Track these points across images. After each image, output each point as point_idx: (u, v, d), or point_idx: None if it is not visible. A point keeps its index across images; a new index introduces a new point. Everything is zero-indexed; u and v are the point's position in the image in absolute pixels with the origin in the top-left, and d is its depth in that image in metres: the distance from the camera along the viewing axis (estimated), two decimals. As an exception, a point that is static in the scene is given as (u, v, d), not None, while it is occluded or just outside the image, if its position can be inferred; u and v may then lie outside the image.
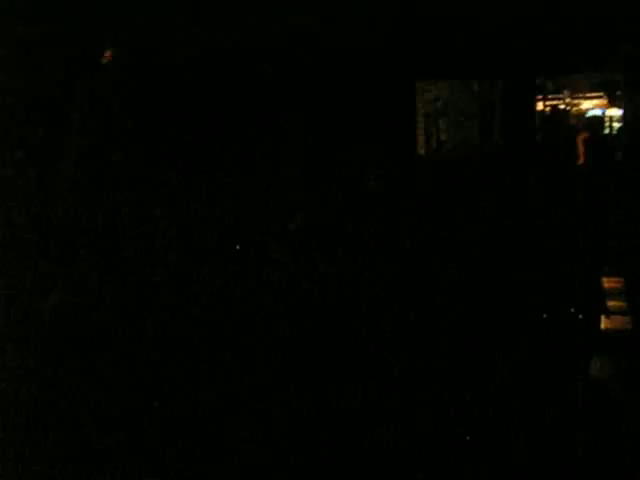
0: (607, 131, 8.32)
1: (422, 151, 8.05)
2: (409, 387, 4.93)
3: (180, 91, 6.67)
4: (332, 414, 4.62)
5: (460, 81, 8.02)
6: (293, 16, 6.82)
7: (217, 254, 6.30)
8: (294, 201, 6.73)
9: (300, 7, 6.70)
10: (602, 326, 5.79)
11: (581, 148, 7.21)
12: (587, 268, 6.23)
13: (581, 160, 6.85)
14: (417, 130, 7.92)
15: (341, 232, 6.48)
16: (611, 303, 5.64)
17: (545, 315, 5.86)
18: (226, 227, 6.47)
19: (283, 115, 7.00)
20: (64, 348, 5.32)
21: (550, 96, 8.48)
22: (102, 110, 6.28)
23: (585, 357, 5.49)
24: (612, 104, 8.49)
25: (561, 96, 8.82)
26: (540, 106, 8.14)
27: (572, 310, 5.90)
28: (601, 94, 8.64)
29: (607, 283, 5.82)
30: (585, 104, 9.12)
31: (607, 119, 8.67)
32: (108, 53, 6.44)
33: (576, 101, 8.95)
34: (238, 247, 6.45)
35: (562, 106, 8.79)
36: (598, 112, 8.99)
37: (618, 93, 8.22)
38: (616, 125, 8.35)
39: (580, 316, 5.77)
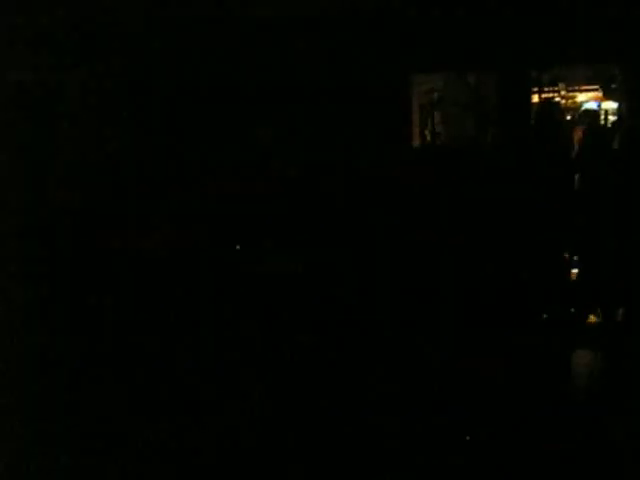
0: (602, 124, 8.31)
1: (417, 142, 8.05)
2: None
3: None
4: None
5: (455, 73, 8.01)
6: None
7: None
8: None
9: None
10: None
11: (576, 141, 7.20)
12: (580, 260, 6.23)
13: (576, 153, 6.83)
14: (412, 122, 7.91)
15: (335, 224, 6.47)
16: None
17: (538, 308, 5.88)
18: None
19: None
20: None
21: (545, 89, 8.47)
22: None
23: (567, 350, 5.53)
24: (607, 97, 8.49)
25: (556, 89, 8.82)
26: (535, 98, 8.12)
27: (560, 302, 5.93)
28: (596, 87, 8.64)
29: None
30: (580, 97, 9.11)
31: (602, 112, 8.67)
32: None
33: (571, 94, 8.96)
34: (238, 247, 6.42)
35: (557, 99, 8.79)
36: (593, 105, 8.99)
37: (613, 86, 8.21)
38: (611, 118, 8.34)
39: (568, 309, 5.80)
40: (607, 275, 5.76)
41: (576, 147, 6.71)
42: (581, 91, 8.92)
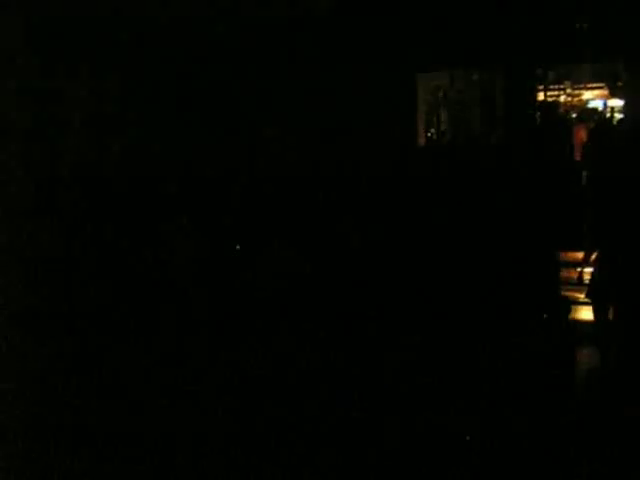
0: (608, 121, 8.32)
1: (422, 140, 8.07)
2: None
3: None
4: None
5: (461, 71, 8.02)
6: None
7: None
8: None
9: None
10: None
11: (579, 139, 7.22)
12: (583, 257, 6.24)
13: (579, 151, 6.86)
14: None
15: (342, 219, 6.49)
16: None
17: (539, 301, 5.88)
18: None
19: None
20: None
21: (551, 86, 8.46)
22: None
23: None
24: (613, 95, 8.47)
25: (562, 86, 8.81)
26: (541, 96, 8.13)
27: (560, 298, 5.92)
28: (602, 85, 8.62)
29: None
30: (586, 94, 9.10)
31: (608, 110, 8.66)
32: None
33: (577, 91, 8.94)
34: (238, 247, 6.44)
35: (563, 96, 8.78)
36: (599, 103, 8.98)
37: (619, 84, 8.19)
38: (617, 116, 8.33)
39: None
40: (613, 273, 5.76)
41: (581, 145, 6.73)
42: (587, 89, 8.91)
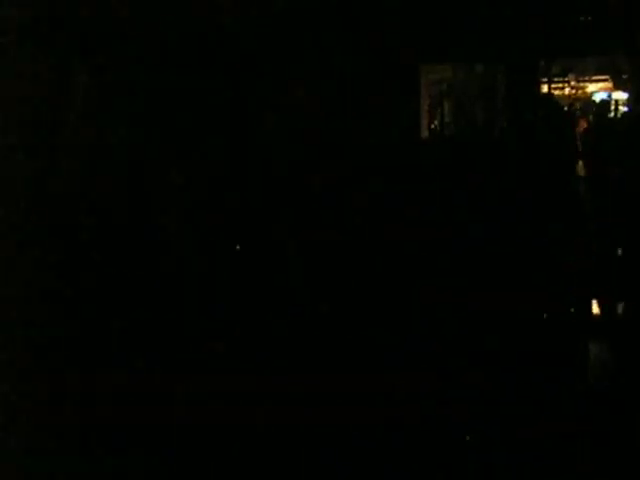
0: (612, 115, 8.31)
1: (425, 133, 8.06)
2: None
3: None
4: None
5: (465, 64, 8.01)
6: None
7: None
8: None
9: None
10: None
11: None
12: (584, 252, 6.23)
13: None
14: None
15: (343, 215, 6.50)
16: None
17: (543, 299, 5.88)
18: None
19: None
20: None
21: (556, 79, 8.47)
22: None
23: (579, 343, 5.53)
24: (617, 87, 8.47)
25: (567, 79, 8.82)
26: (545, 89, 8.13)
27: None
28: (607, 77, 8.62)
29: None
30: (591, 87, 9.10)
31: (613, 102, 8.66)
32: None
33: (582, 84, 8.95)
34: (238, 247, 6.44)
35: (567, 89, 8.80)
36: (604, 95, 8.98)
37: (624, 77, 8.19)
38: (622, 109, 8.33)
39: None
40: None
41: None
42: (591, 81, 8.92)
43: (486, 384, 4.72)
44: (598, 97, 8.94)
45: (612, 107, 8.46)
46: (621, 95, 8.41)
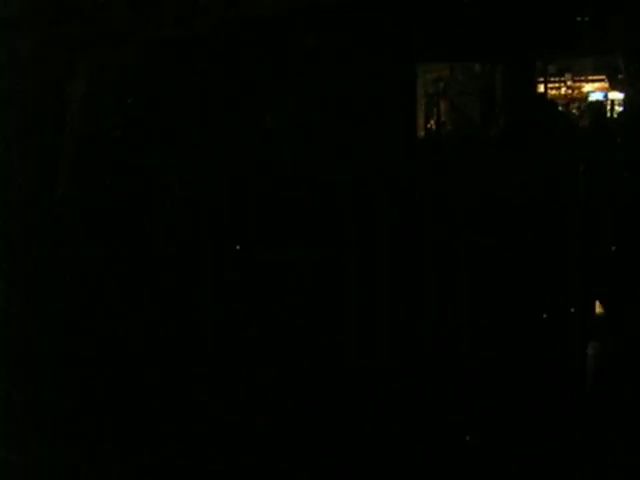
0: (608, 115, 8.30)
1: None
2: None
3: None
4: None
5: (461, 63, 7.99)
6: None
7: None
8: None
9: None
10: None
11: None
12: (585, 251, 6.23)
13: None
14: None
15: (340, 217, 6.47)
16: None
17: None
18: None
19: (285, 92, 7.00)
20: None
21: (552, 79, 8.45)
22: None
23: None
24: (614, 88, 8.46)
25: (563, 79, 8.79)
26: (541, 88, 8.12)
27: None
28: (603, 77, 8.60)
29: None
30: (587, 87, 9.08)
31: (609, 103, 8.63)
32: None
33: (578, 84, 8.93)
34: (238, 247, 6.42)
35: (563, 89, 8.77)
36: (600, 95, 8.96)
37: (620, 77, 8.17)
38: (618, 109, 8.32)
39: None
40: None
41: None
42: (587, 81, 8.88)
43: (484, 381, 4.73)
44: (594, 97, 8.92)
45: (607, 108, 8.44)
46: (617, 95, 8.40)
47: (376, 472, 4.13)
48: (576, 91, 9.02)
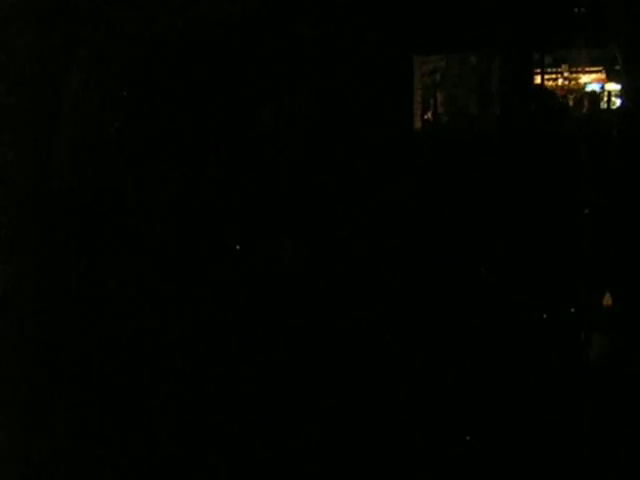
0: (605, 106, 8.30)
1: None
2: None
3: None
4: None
5: (458, 54, 7.98)
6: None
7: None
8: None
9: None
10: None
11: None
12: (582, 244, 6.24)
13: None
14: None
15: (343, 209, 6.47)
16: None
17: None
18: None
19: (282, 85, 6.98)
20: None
21: (548, 70, 8.44)
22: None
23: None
24: (611, 79, 8.46)
25: (559, 70, 8.79)
26: (538, 80, 8.11)
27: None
28: (600, 68, 8.60)
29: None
30: (584, 78, 9.08)
31: (606, 94, 8.63)
32: None
33: (574, 75, 8.92)
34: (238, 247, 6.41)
35: (560, 80, 8.77)
36: (597, 87, 8.96)
37: (617, 67, 8.17)
38: (615, 100, 8.32)
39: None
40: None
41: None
42: (584, 72, 8.88)
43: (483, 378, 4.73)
44: (591, 88, 8.92)
45: (604, 99, 8.44)
46: (614, 86, 8.39)
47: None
48: (573, 82, 9.03)
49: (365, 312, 5.62)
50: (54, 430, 4.26)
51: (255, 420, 4.44)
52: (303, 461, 3.96)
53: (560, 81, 8.80)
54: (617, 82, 8.29)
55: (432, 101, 8.75)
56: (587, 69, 8.82)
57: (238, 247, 6.31)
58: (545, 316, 5.45)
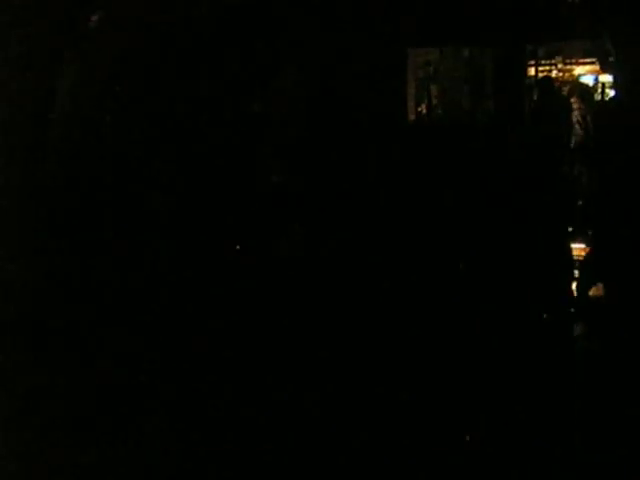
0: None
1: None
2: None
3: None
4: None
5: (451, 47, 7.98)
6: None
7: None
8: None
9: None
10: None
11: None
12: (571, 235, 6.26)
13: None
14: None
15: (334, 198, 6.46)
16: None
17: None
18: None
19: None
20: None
21: (542, 61, 8.45)
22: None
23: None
24: (604, 70, 8.45)
25: (553, 61, 8.79)
26: (532, 71, 8.12)
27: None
28: (593, 60, 8.60)
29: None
30: (577, 70, 9.08)
31: (600, 85, 8.64)
32: None
33: (568, 67, 8.93)
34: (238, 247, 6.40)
35: (554, 72, 8.77)
36: (590, 78, 8.97)
37: (611, 59, 8.16)
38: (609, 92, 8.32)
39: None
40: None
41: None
42: (578, 64, 8.89)
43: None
44: (585, 80, 8.93)
45: (598, 91, 8.45)
46: (608, 78, 8.39)
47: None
48: (567, 74, 9.03)
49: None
50: (52, 428, 4.29)
51: (255, 420, 4.47)
52: (303, 461, 3.99)
53: (554, 73, 8.82)
54: (611, 74, 8.29)
55: (426, 94, 8.76)
56: (581, 61, 8.84)
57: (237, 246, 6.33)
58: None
